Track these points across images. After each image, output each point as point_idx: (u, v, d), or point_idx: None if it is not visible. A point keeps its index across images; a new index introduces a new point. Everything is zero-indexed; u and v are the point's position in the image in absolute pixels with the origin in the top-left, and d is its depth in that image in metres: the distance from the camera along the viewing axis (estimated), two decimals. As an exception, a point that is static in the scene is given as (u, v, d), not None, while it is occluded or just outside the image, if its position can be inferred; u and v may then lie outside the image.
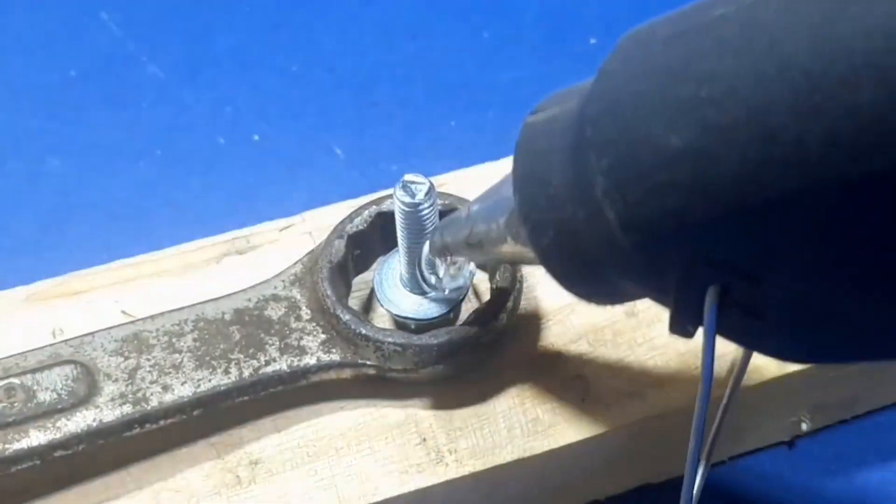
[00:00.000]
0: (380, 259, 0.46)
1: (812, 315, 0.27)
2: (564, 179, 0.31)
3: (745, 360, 0.39)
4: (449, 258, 0.41)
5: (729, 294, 0.28)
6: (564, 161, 0.31)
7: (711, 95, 0.26)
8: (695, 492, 0.31)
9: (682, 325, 0.30)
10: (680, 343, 0.44)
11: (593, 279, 0.33)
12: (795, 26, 0.24)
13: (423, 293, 0.44)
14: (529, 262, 0.37)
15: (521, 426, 0.42)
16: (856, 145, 0.23)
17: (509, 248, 0.37)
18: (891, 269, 0.25)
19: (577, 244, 0.32)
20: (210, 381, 0.41)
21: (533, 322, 0.45)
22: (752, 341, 0.31)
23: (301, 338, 0.42)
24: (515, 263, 0.43)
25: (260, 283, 0.44)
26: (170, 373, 0.41)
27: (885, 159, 0.23)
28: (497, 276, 0.43)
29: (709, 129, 0.26)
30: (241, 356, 0.42)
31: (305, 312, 0.43)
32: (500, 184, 0.37)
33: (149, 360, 0.41)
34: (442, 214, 0.44)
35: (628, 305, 0.45)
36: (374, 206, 0.45)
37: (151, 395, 0.40)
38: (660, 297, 0.31)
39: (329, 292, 0.42)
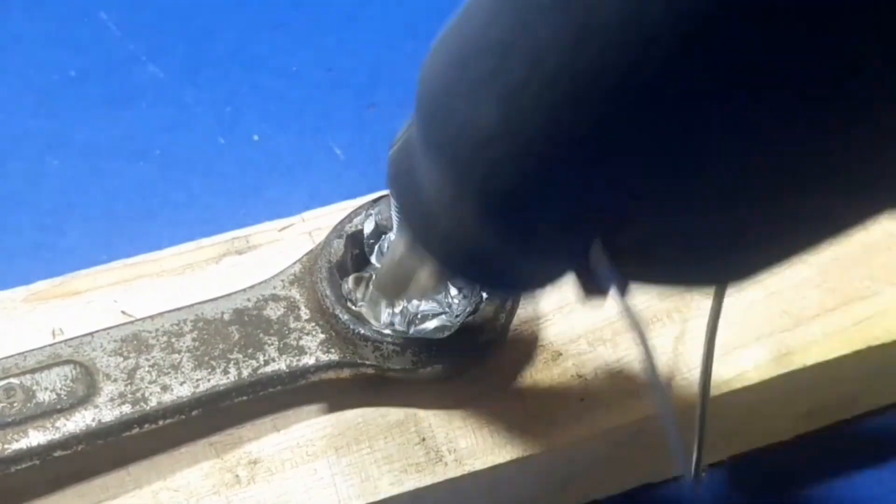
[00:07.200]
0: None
1: (682, 242, 0.27)
2: (429, 196, 0.31)
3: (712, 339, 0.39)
4: (401, 302, 0.42)
5: (614, 242, 0.28)
6: (421, 178, 0.31)
7: (496, 67, 0.26)
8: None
9: (590, 288, 0.30)
10: (679, 344, 0.44)
11: (506, 276, 0.33)
12: None
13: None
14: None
15: (520, 426, 0.42)
16: (600, 53, 0.23)
17: (427, 274, 0.37)
18: (717, 183, 0.25)
19: (469, 250, 0.31)
20: (209, 381, 0.41)
21: (532, 322, 0.45)
22: (648, 277, 0.30)
23: (300, 338, 0.42)
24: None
25: (259, 283, 0.44)
26: (169, 373, 0.41)
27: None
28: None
29: (502, 98, 0.26)
30: (241, 356, 0.42)
31: (304, 312, 0.43)
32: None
33: (148, 360, 0.41)
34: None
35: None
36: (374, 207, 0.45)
37: (150, 395, 0.40)
38: (568, 269, 0.30)
39: (328, 292, 0.42)
